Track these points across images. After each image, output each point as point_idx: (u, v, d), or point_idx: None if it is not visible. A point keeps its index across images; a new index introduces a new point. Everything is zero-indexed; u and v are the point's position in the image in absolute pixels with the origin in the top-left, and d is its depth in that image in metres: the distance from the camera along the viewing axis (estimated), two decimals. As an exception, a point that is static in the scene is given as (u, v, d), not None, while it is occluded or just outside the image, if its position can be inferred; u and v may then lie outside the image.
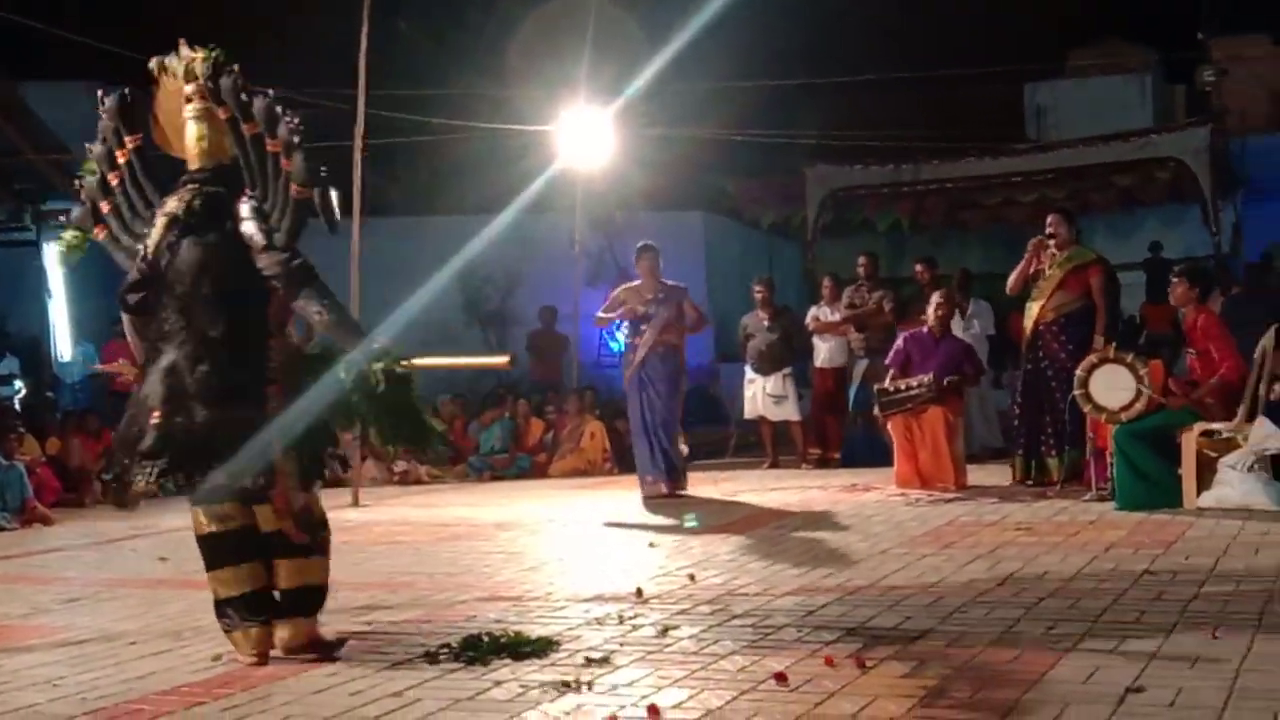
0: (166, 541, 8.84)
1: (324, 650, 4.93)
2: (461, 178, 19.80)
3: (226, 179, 5.06)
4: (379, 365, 4.76)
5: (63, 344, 16.67)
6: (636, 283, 10.59)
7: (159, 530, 9.49)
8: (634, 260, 10.80)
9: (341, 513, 10.27)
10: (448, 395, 14.53)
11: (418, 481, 12.92)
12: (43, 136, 14.50)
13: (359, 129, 11.24)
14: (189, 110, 5.15)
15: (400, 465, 13.11)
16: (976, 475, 10.19)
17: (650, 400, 10.25)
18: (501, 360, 4.87)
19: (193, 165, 5.14)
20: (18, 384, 16.37)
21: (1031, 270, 9.76)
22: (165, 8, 18.59)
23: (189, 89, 5.13)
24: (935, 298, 10.60)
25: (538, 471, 13.29)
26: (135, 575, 7.43)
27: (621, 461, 13.00)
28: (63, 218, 16.02)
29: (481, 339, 18.88)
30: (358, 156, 11.24)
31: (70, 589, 6.96)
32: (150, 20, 17.50)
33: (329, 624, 5.23)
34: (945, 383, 9.93)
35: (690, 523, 8.32)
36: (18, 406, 14.48)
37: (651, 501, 10.02)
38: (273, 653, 4.92)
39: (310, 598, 5.00)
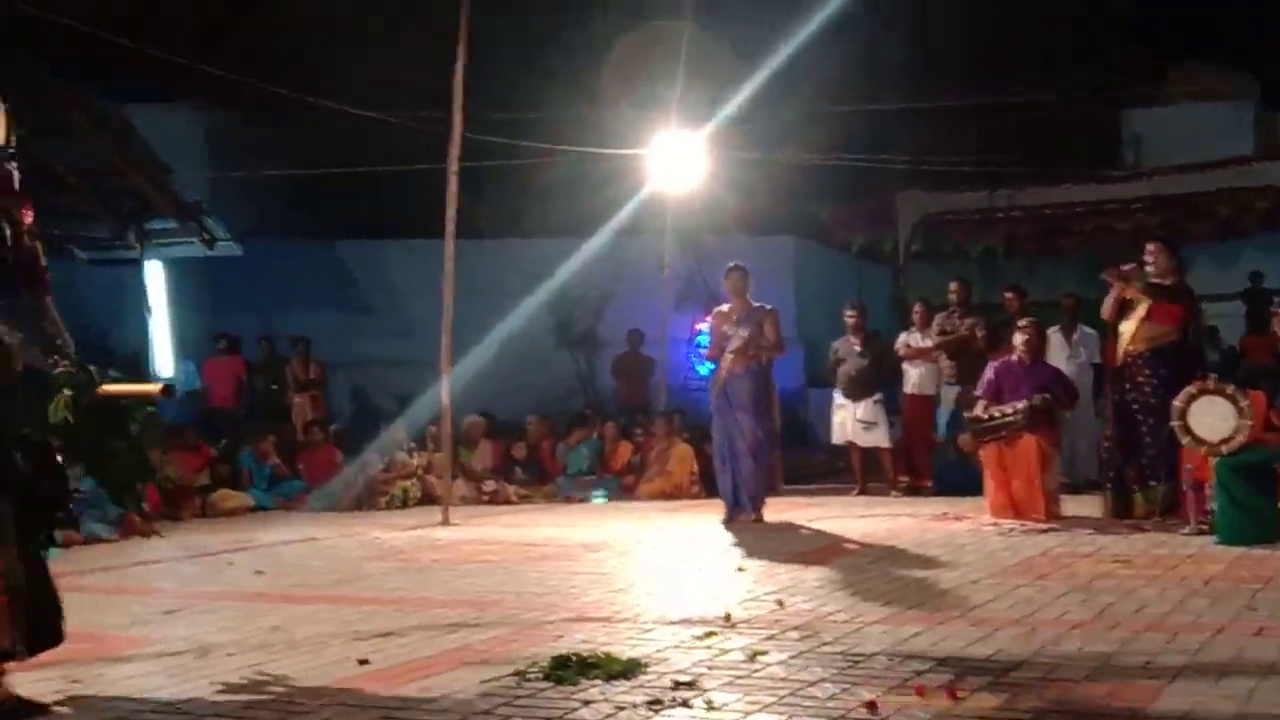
0: (264, 556, 9.03)
1: None
2: (553, 201, 19.96)
3: None
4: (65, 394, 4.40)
5: (163, 361, 17.05)
6: (725, 306, 10.60)
7: (257, 544, 9.69)
8: (722, 280, 10.81)
9: (432, 531, 10.41)
10: (534, 416, 14.66)
11: (506, 501, 13.02)
12: (145, 157, 14.89)
13: (454, 151, 11.39)
14: None
15: (489, 485, 13.23)
16: (1072, 507, 10.04)
17: (734, 423, 10.22)
18: (153, 388, 4.54)
19: None
20: (119, 399, 16.78)
21: (1124, 298, 9.61)
22: (265, 33, 19.02)
23: None
24: (1023, 324, 10.47)
25: (624, 493, 13.32)
26: (233, 588, 7.56)
27: (709, 485, 12.98)
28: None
29: (571, 361, 19.00)
30: (452, 179, 11.39)
31: (168, 601, 7.11)
32: (249, 45, 17.92)
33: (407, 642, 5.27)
34: (1034, 400, 9.79)
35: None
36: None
37: (734, 525, 10.00)
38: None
39: None
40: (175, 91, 17.67)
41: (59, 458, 4.46)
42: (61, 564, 8.69)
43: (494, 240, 19.83)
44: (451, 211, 11.37)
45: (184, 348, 17.24)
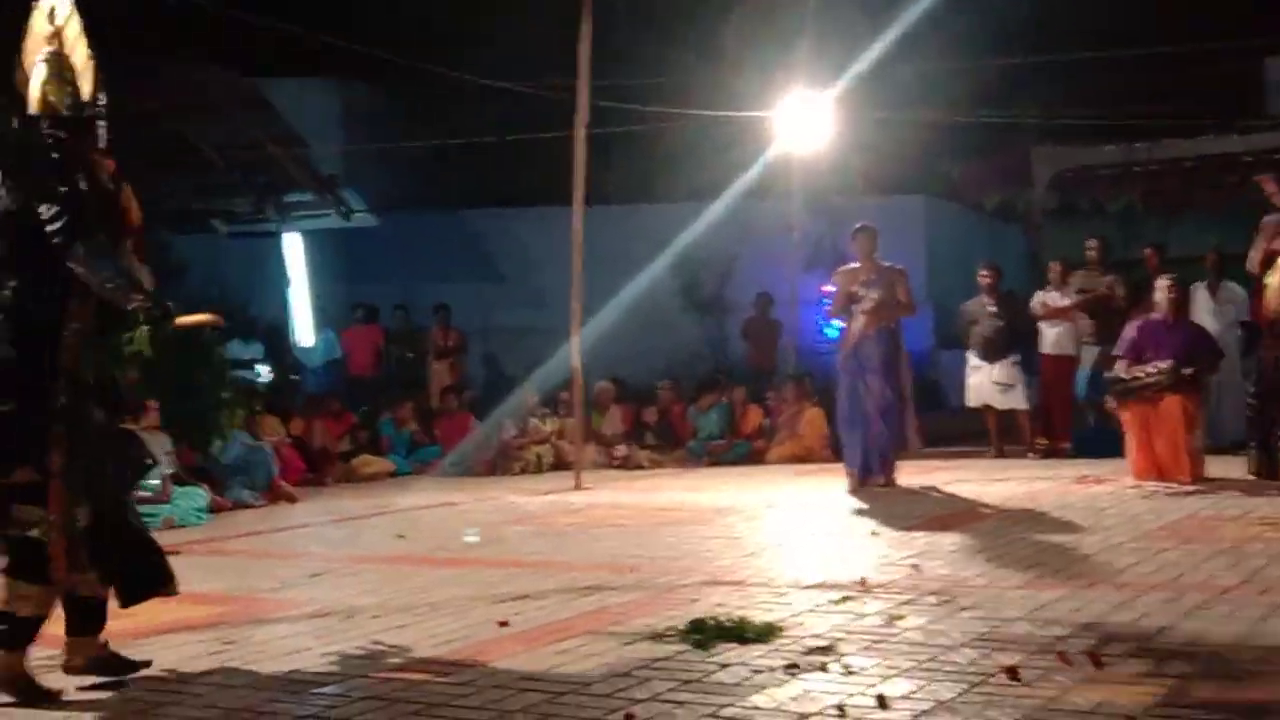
0: (404, 520, 9.24)
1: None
2: (679, 165, 19.93)
3: None
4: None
5: (303, 330, 17.47)
6: (853, 265, 10.48)
7: (396, 509, 9.91)
8: (849, 241, 10.70)
9: (565, 496, 10.53)
10: (664, 380, 14.72)
11: (637, 466, 13.10)
12: (282, 131, 15.24)
13: (580, 118, 11.43)
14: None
15: (620, 450, 13.34)
16: (1218, 468, 9.76)
17: (864, 385, 10.12)
18: (211, 317, 4.49)
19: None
20: (262, 368, 17.26)
21: (1272, 251, 9.28)
22: (396, 5, 19.27)
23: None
24: (1162, 282, 10.18)
25: (755, 457, 13.31)
26: (375, 552, 7.75)
27: (839, 449, 12.92)
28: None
29: (698, 325, 18.99)
30: (579, 146, 11.44)
31: (314, 564, 7.32)
32: (383, 17, 18.18)
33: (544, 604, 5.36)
34: (1184, 374, 9.53)
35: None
36: (263, 389, 15.25)
37: (864, 490, 9.93)
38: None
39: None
40: (310, 66, 18.04)
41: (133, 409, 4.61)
42: (210, 529, 9.07)
43: (621, 206, 19.88)
44: (579, 178, 11.43)
45: (323, 317, 17.63)
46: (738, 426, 13.79)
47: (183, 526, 9.11)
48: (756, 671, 4.42)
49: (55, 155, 4.40)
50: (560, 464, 12.94)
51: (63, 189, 4.32)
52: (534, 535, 8.25)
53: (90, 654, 4.54)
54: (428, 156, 18.45)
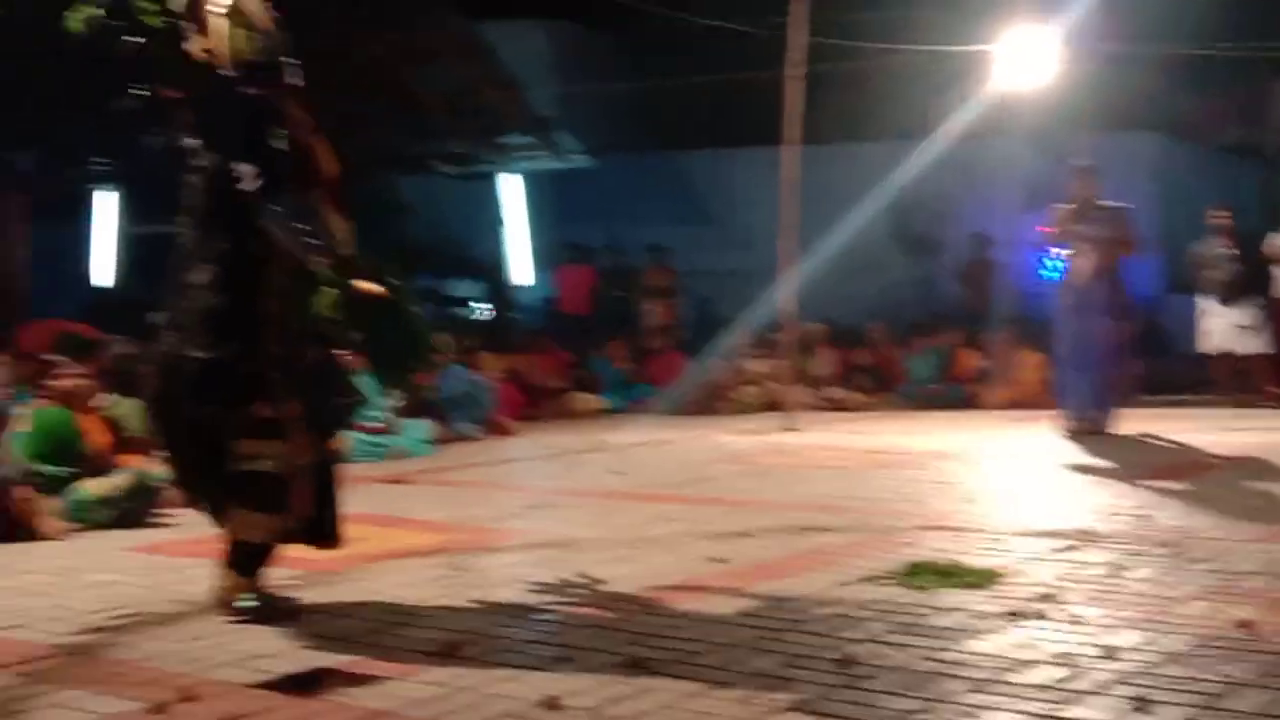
0: (619, 456, 9.40)
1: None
2: (894, 103, 19.52)
3: None
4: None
5: (519, 270, 17.86)
6: (1073, 204, 10.14)
7: (611, 445, 10.09)
8: (1070, 179, 10.35)
9: (776, 436, 10.55)
10: (877, 322, 14.54)
11: (848, 409, 13.00)
12: (499, 74, 15.50)
13: (794, 56, 11.30)
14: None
15: (831, 392, 13.26)
16: None
17: (1086, 328, 9.81)
18: (379, 290, 4.42)
19: None
20: (481, 305, 17.76)
21: None
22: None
23: None
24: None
25: (971, 402, 13.06)
26: (591, 486, 7.91)
27: (1058, 393, 12.58)
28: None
29: (910, 267, 18.65)
30: (792, 85, 11.32)
31: (533, 497, 7.52)
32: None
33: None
34: None
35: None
36: (480, 326, 15.72)
37: (1083, 437, 9.65)
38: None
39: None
40: (527, 7, 18.29)
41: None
42: (435, 460, 9.40)
43: (833, 145, 19.61)
44: (792, 118, 11.32)
45: (538, 256, 17.98)
46: (952, 370, 13.54)
47: (410, 457, 9.45)
48: (976, 617, 4.37)
49: (249, 111, 4.41)
50: (771, 405, 12.93)
51: (257, 147, 4.37)
52: (746, 474, 8.29)
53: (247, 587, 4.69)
54: (641, 98, 18.53)
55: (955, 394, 13.20)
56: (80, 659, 4.05)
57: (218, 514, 4.59)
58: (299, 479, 4.49)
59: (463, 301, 17.60)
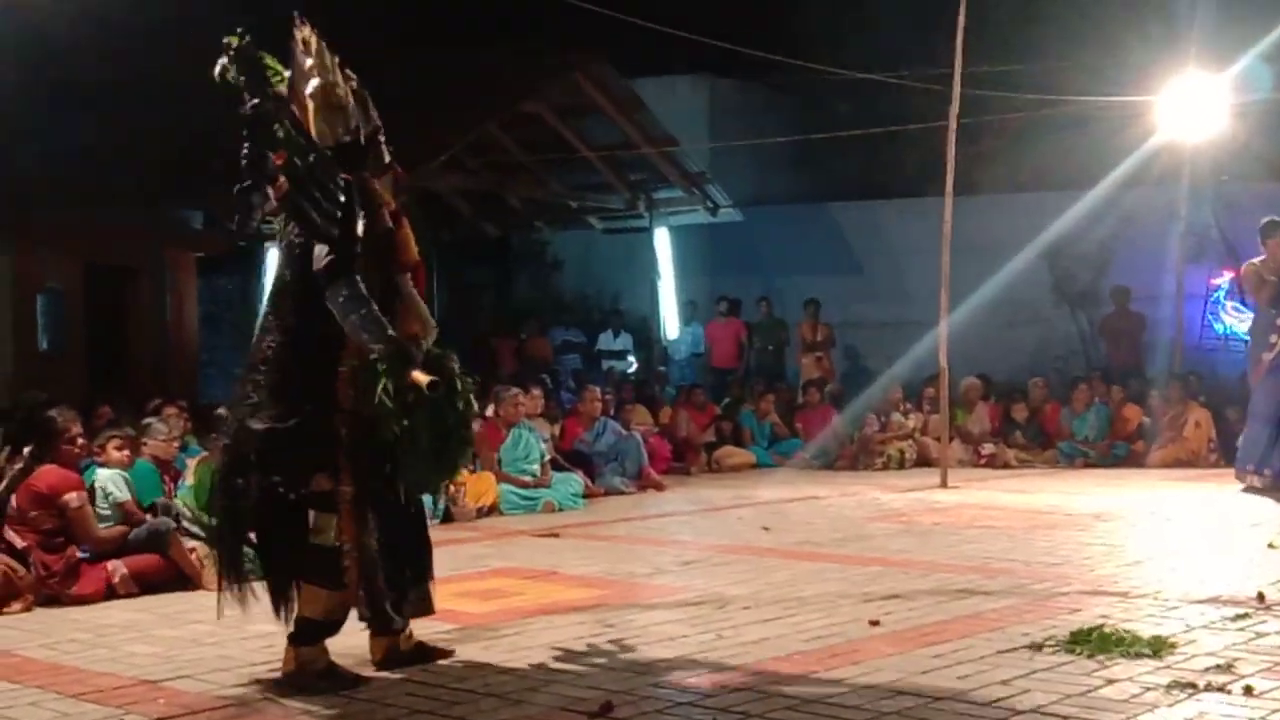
0: (768, 512, 9.32)
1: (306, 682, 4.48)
2: (1052, 153, 19.16)
3: None
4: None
5: (670, 323, 17.92)
6: (1260, 258, 9.88)
7: (760, 501, 10.02)
8: (1260, 238, 10.05)
9: (930, 494, 10.35)
10: (1037, 378, 14.21)
11: (1005, 465, 12.70)
12: (653, 129, 15.66)
13: (954, 109, 11.18)
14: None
15: (987, 448, 12.98)
16: None
17: None
18: (429, 379, 4.34)
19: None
20: (631, 359, 17.85)
21: None
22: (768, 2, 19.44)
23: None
24: None
25: (1133, 460, 12.64)
26: (742, 542, 7.85)
27: (1227, 452, 12.11)
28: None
29: (1069, 319, 18.20)
30: (951, 136, 11.20)
31: (685, 552, 7.49)
32: (743, 12, 18.36)
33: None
34: None
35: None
36: (632, 379, 15.80)
37: (1259, 492, 9.30)
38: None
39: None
40: (675, 63, 18.44)
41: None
42: (586, 514, 9.44)
43: (989, 195, 19.30)
44: (949, 168, 11.18)
45: (689, 310, 18.02)
46: (1115, 428, 13.13)
47: (561, 510, 9.51)
48: (1146, 689, 4.20)
49: (338, 193, 4.46)
50: (922, 460, 12.73)
51: (335, 231, 4.42)
52: (900, 533, 8.14)
53: (394, 647, 4.70)
54: (794, 149, 18.52)
55: (1118, 452, 12.80)
56: (241, 714, 4.15)
57: (279, 590, 4.55)
58: (354, 556, 4.47)
59: (613, 355, 17.72)
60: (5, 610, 5.96)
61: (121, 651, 5.09)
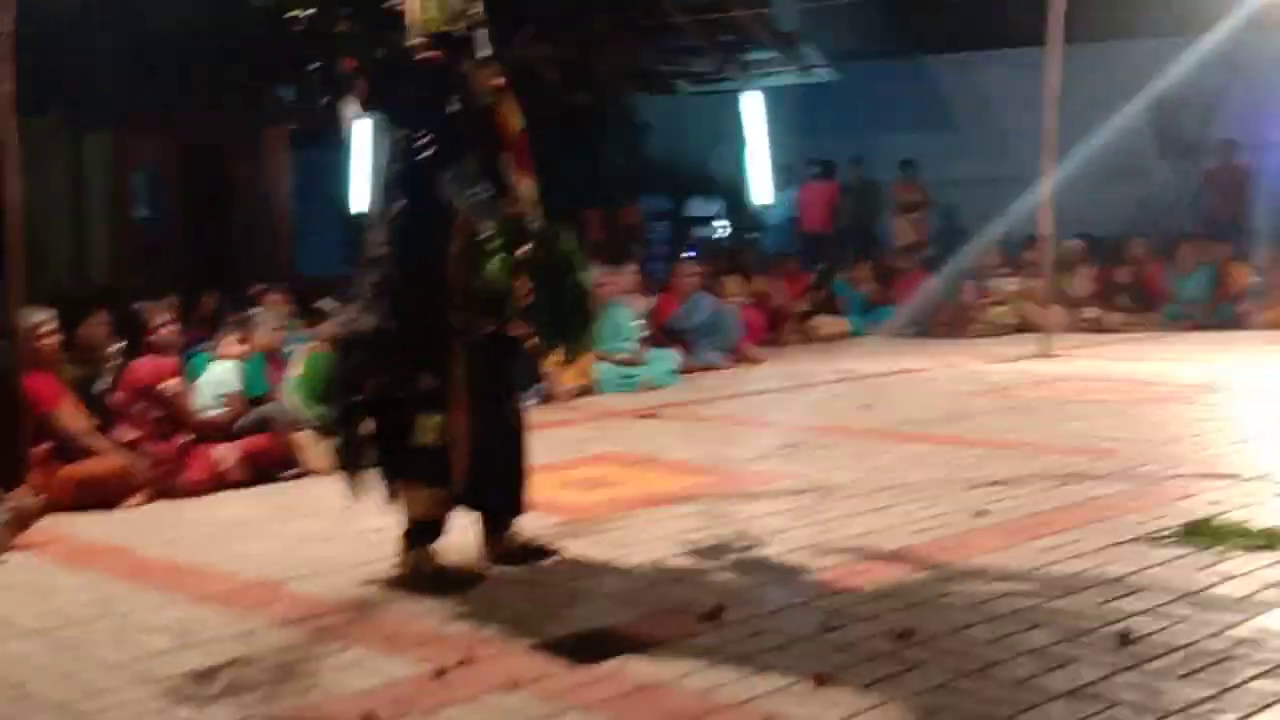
0: (867, 388, 9.26)
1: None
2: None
3: None
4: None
5: (760, 188, 17.66)
6: None
7: (858, 375, 9.94)
8: None
9: (1032, 364, 10.20)
10: (1139, 237, 13.83)
11: (1109, 330, 12.45)
12: (744, -11, 15.30)
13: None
14: None
15: (1090, 312, 12.73)
16: None
17: None
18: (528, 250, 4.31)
19: None
20: (722, 223, 17.69)
21: None
22: None
23: None
24: None
25: (1240, 322, 12.32)
26: (843, 423, 7.80)
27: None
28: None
29: (1175, 173, 17.64)
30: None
31: (783, 435, 7.43)
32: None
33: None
34: None
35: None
36: (724, 246, 15.67)
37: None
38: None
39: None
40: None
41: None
42: (683, 391, 9.46)
43: (1093, 44, 18.58)
44: (1057, 17, 10.76)
45: (782, 174, 17.74)
46: (1221, 288, 12.78)
47: (658, 388, 9.52)
48: (1267, 586, 4.13)
49: (427, 78, 4.45)
50: (1023, 326, 12.51)
51: (434, 113, 4.41)
52: (1003, 409, 8.04)
53: (501, 549, 4.74)
54: (887, 3, 17.94)
55: (1223, 314, 12.47)
56: (362, 615, 4.24)
57: (391, 489, 4.60)
58: (460, 451, 4.50)
59: (703, 220, 17.57)
60: (124, 504, 6.14)
61: (238, 550, 5.21)
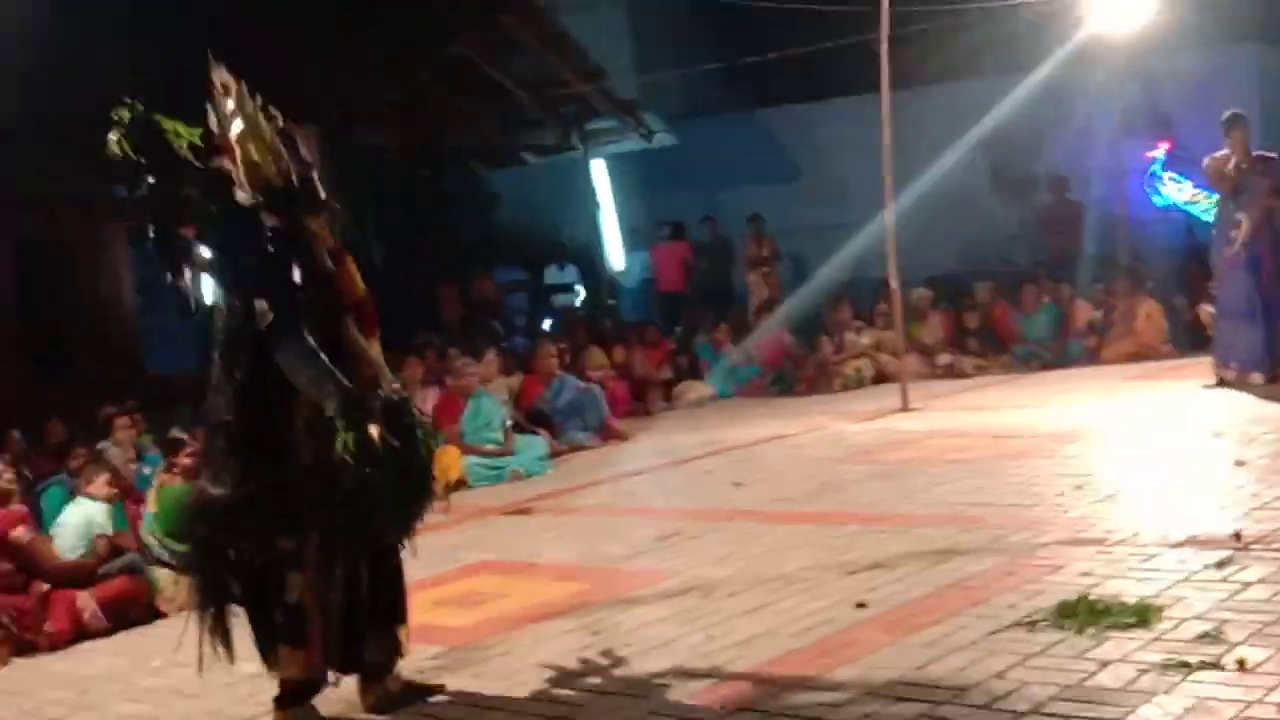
0: (737, 461, 9.30)
1: None
2: (982, 41, 18.99)
3: None
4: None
5: (614, 253, 17.78)
6: (1222, 153, 9.97)
7: (727, 445, 9.98)
8: (1223, 132, 10.08)
9: (893, 421, 10.36)
10: (984, 281, 14.22)
11: (962, 375, 12.76)
12: (581, 62, 15.40)
13: (885, 10, 11.03)
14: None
15: (943, 359, 13.03)
16: None
17: (1254, 281, 9.74)
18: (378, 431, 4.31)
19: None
20: (579, 289, 17.73)
21: None
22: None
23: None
24: None
25: (1088, 358, 12.73)
26: (716, 504, 7.82)
27: (1179, 343, 12.28)
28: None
29: (1010, 209, 18.20)
30: (884, 34, 11.03)
31: (660, 524, 7.39)
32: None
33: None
34: None
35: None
36: (583, 313, 15.67)
37: (1228, 386, 9.49)
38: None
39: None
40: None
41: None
42: (553, 480, 9.38)
43: (920, 88, 19.10)
44: (884, 66, 11.03)
45: (632, 238, 17.88)
46: (1067, 325, 13.21)
47: (528, 476, 9.46)
48: (1141, 671, 4.21)
49: (267, 240, 4.35)
50: (880, 376, 12.76)
51: (271, 282, 4.32)
52: (871, 478, 8.13)
53: (381, 695, 4.65)
54: (720, 67, 18.29)
55: (1072, 351, 12.88)
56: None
57: (264, 653, 4.52)
58: (321, 612, 4.42)
59: (561, 289, 17.59)
60: (-20, 666, 5.86)
61: (108, 713, 5.00)
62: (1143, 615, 4.71)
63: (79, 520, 6.67)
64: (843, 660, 4.64)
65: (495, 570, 6.72)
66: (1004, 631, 4.75)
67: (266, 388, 4.34)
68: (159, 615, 6.43)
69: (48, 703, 5.26)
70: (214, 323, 4.51)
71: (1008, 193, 18.40)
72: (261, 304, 4.29)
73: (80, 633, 6.19)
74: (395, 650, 4.69)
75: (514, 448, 9.68)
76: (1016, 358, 12.98)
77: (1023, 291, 13.53)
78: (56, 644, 6.07)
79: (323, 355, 4.29)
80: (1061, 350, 12.90)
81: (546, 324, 15.68)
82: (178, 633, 5.73)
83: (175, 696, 5.10)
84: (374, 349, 4.59)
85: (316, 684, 4.51)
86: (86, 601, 6.25)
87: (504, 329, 14.99)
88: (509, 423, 9.85)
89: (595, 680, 4.74)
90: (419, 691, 4.72)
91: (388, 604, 4.67)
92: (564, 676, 4.81)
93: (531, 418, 10.44)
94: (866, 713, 4.09)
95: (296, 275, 4.35)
